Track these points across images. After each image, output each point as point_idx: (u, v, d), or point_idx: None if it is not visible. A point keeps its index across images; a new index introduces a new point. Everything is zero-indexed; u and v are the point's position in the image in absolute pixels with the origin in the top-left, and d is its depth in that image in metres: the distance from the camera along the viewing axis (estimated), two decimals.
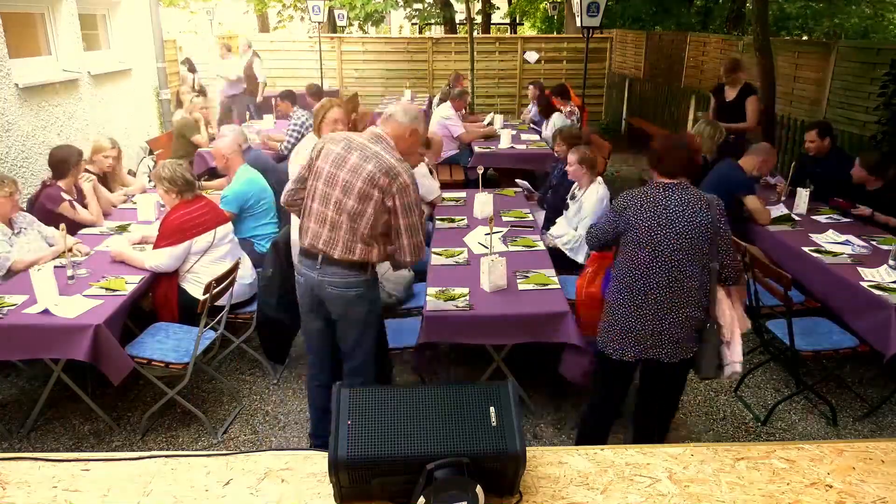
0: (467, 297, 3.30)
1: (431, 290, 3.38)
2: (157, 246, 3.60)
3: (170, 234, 3.57)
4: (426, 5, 16.02)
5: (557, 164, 5.20)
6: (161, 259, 3.57)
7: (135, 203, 4.68)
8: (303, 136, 6.75)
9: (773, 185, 5.17)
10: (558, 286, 3.45)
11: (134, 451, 3.25)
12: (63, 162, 4.20)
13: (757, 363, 4.01)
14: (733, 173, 4.58)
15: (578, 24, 8.00)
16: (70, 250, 3.66)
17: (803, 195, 4.78)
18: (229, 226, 3.84)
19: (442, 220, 4.61)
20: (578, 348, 3.19)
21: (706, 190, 4.61)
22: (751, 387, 3.90)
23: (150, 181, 5.19)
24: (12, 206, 3.65)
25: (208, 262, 3.64)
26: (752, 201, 4.49)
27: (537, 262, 3.77)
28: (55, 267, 3.32)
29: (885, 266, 3.71)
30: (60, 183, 4.22)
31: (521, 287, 3.42)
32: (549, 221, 4.80)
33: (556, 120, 7.35)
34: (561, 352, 3.29)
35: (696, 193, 2.60)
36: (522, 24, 25.00)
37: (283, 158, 6.89)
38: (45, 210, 4.08)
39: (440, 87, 10.81)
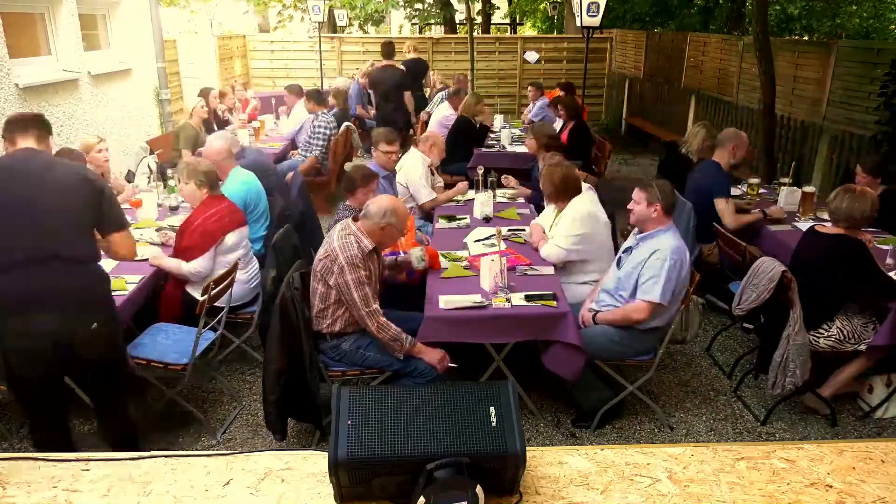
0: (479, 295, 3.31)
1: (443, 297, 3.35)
2: (191, 256, 3.57)
3: (200, 239, 3.56)
4: (426, 5, 16.04)
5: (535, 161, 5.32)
6: (198, 263, 3.57)
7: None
8: (329, 138, 6.78)
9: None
10: (558, 285, 3.45)
11: (134, 451, 3.24)
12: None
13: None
14: (711, 174, 4.63)
15: (578, 24, 8.02)
16: None
17: (795, 194, 4.79)
18: (246, 230, 3.86)
19: (442, 217, 4.61)
20: (574, 347, 3.19)
21: (689, 195, 4.72)
22: (751, 386, 3.90)
23: (149, 181, 5.18)
24: None
25: (224, 264, 3.63)
26: (720, 203, 4.52)
27: (537, 260, 3.78)
28: None
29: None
30: None
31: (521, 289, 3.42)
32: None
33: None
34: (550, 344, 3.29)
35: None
36: (522, 24, 25.02)
37: (282, 159, 6.90)
38: None
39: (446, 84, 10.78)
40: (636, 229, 3.48)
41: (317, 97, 7.07)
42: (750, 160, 4.95)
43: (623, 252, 3.51)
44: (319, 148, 6.77)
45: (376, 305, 3.09)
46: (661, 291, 3.17)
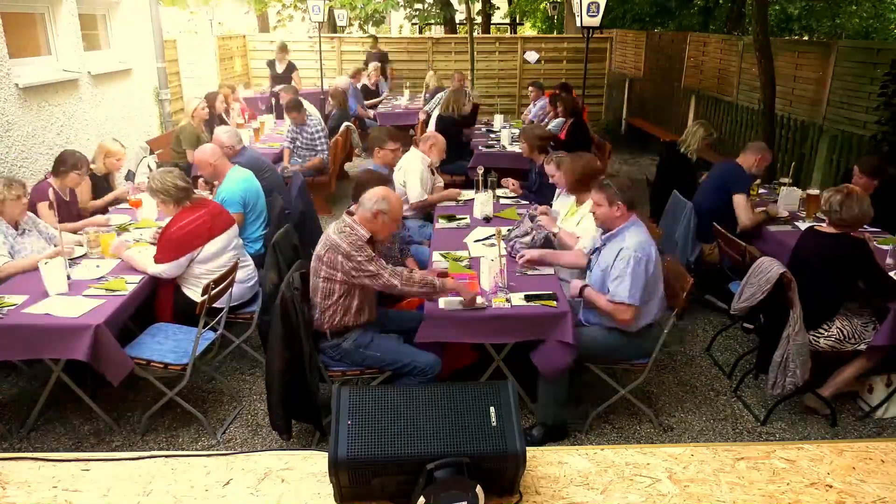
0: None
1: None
2: (158, 259, 3.54)
3: (170, 247, 3.52)
4: (426, 5, 16.03)
5: (534, 164, 5.29)
6: (162, 269, 3.54)
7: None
8: (321, 140, 6.82)
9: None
10: (557, 285, 3.44)
11: (134, 451, 3.24)
12: (58, 162, 4.26)
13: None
14: (734, 172, 4.64)
15: (578, 24, 8.01)
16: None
17: (795, 194, 4.79)
18: (234, 230, 3.82)
19: (442, 217, 4.61)
20: (564, 345, 3.16)
21: (707, 190, 4.70)
22: (751, 387, 3.90)
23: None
24: (21, 209, 3.67)
25: (213, 269, 3.60)
26: (739, 199, 4.52)
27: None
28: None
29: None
30: (52, 180, 4.26)
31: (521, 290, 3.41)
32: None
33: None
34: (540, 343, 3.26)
35: None
36: (522, 24, 25.01)
37: (281, 160, 6.89)
38: (30, 201, 4.13)
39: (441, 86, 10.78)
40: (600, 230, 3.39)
41: (299, 107, 6.90)
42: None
43: (592, 254, 3.44)
44: (324, 149, 6.87)
45: (393, 268, 3.12)
46: (628, 294, 3.10)
